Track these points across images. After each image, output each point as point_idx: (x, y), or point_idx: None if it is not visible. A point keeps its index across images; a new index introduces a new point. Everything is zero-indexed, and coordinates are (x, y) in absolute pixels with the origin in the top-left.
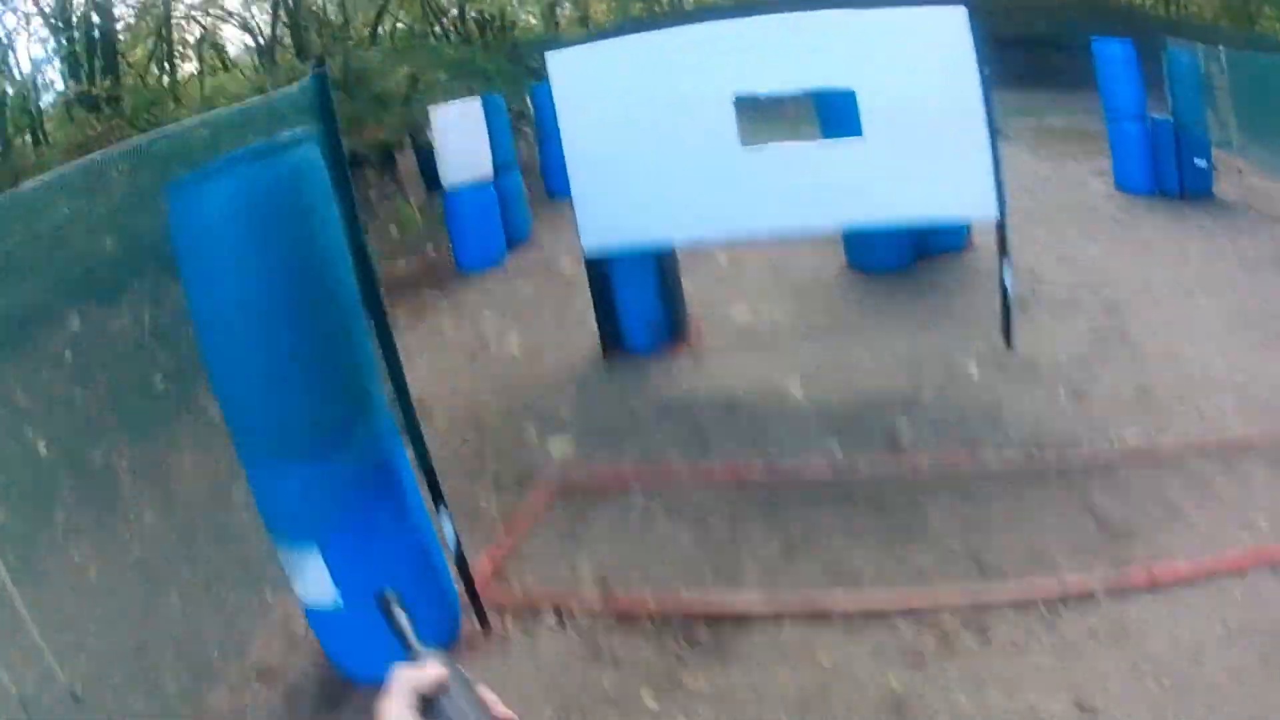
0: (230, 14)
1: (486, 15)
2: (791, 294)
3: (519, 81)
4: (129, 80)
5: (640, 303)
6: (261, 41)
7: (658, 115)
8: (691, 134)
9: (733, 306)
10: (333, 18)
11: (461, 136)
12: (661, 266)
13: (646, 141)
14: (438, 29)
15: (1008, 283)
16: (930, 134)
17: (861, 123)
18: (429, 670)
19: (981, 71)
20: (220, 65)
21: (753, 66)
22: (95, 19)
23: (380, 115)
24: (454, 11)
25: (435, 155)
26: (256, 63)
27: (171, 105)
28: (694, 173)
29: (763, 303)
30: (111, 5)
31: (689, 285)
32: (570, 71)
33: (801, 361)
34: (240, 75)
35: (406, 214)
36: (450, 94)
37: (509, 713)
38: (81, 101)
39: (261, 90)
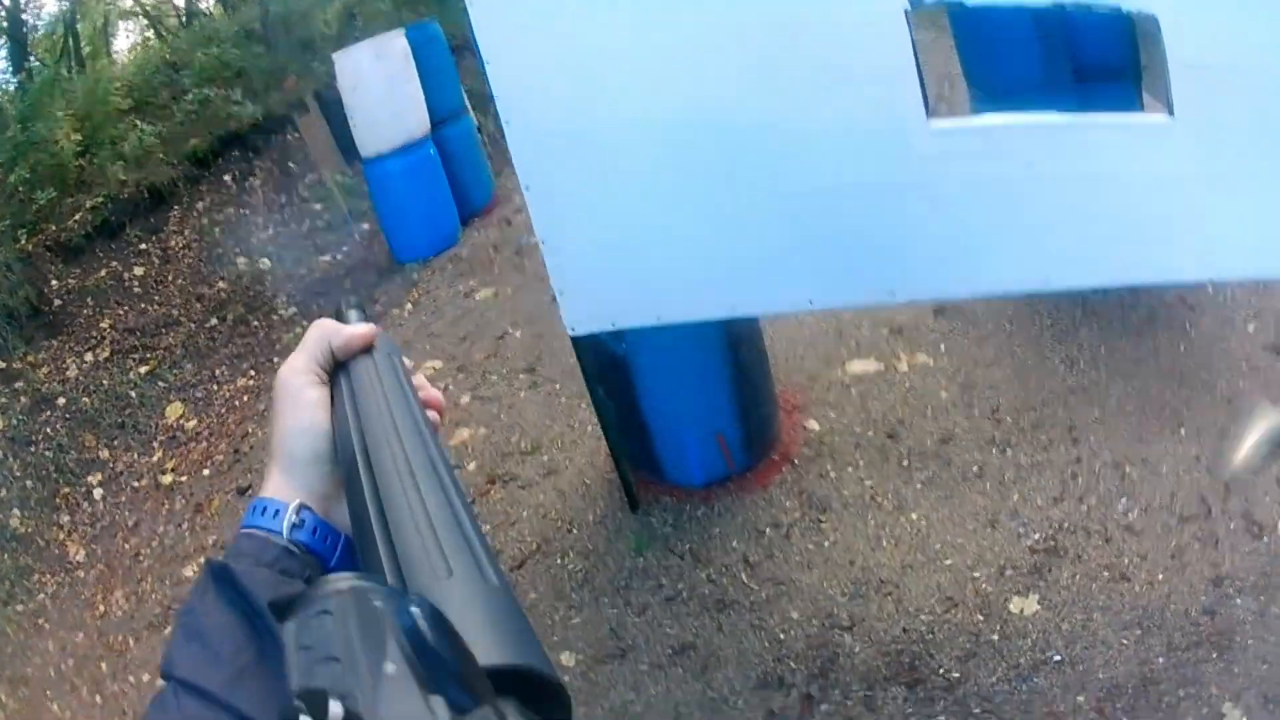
0: None
1: None
2: (938, 321)
3: None
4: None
5: (694, 408)
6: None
7: (725, 44)
8: (809, 89)
9: (847, 356)
10: None
11: (380, 86)
12: (733, 337)
13: (699, 104)
14: None
15: None
16: (1256, 120)
17: (1170, 88)
18: (353, 327)
19: None
20: (155, 39)
21: None
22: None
23: (310, 65)
24: None
25: (347, 115)
26: (174, 30)
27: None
28: (817, 171)
29: (896, 344)
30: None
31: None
32: None
33: (1011, 507)
34: (163, 47)
35: (326, 192)
36: (397, 25)
37: (437, 394)
38: None
39: (174, 66)
